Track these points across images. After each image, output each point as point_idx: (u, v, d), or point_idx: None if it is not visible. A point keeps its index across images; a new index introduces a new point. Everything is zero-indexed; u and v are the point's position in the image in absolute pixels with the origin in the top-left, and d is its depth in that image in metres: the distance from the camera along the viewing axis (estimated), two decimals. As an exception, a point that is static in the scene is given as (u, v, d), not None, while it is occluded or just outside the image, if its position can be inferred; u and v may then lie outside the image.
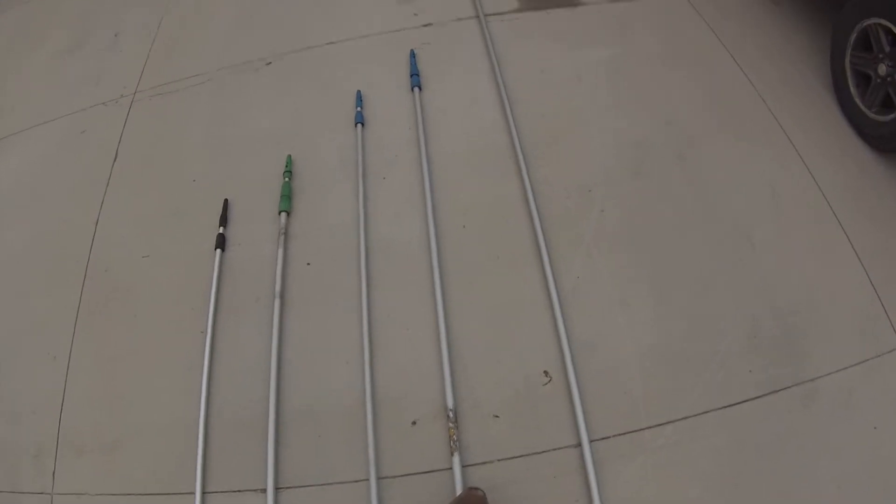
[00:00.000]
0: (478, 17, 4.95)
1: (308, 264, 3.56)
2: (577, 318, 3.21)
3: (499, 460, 2.90)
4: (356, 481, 2.90)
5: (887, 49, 3.63)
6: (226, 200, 3.90)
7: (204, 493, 2.94)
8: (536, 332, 3.19)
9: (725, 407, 2.95)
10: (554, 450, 2.89)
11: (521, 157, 3.87)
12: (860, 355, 3.05)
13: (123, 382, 3.32)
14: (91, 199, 4.17)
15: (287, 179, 3.90)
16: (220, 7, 5.66)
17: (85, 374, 3.37)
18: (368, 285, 3.40)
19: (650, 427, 2.92)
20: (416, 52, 4.66)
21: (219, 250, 3.66)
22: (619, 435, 2.91)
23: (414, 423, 3.01)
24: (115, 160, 4.38)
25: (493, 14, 4.97)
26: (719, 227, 3.52)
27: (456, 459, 2.83)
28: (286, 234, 3.67)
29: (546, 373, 3.06)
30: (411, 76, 4.43)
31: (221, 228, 3.76)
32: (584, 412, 2.92)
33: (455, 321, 3.25)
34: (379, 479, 2.86)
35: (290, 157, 4.05)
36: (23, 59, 5.72)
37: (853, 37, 3.86)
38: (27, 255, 4.00)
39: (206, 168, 4.20)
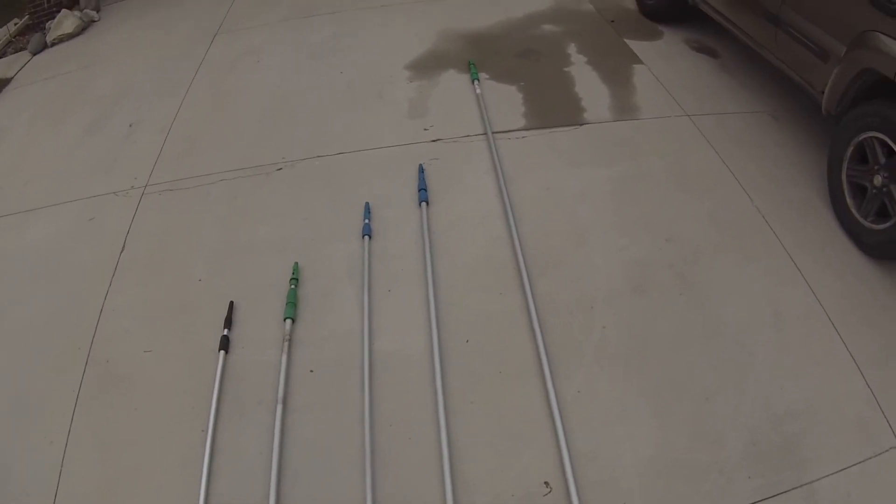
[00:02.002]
0: (486, 134, 5.12)
1: (311, 371, 3.60)
2: (577, 429, 3.24)
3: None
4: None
5: (883, 161, 3.82)
6: (231, 303, 3.96)
7: None
8: (537, 444, 3.21)
9: (725, 513, 2.99)
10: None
11: (524, 273, 3.95)
12: (858, 456, 3.10)
13: (120, 475, 3.30)
14: (97, 287, 4.23)
15: (293, 286, 3.98)
16: (235, 107, 5.84)
17: (81, 463, 3.36)
18: (371, 394, 3.43)
19: (649, 537, 2.95)
20: (424, 166, 4.79)
21: (222, 352, 3.69)
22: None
23: (416, 533, 3.01)
24: (122, 251, 4.47)
25: (501, 132, 5.15)
26: (719, 341, 3.60)
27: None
28: (290, 340, 3.71)
29: (546, 483, 3.07)
30: (419, 190, 4.55)
31: (226, 330, 3.80)
32: (585, 522, 2.94)
33: (457, 432, 3.27)
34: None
35: (297, 264, 4.13)
36: (40, 136, 5.88)
37: (850, 150, 4.06)
38: (30, 336, 4.03)
39: (212, 268, 4.27)
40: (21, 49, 8.11)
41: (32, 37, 8.06)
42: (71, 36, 8.06)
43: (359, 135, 5.27)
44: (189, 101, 6.02)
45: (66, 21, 8.11)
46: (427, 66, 6.17)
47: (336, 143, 5.19)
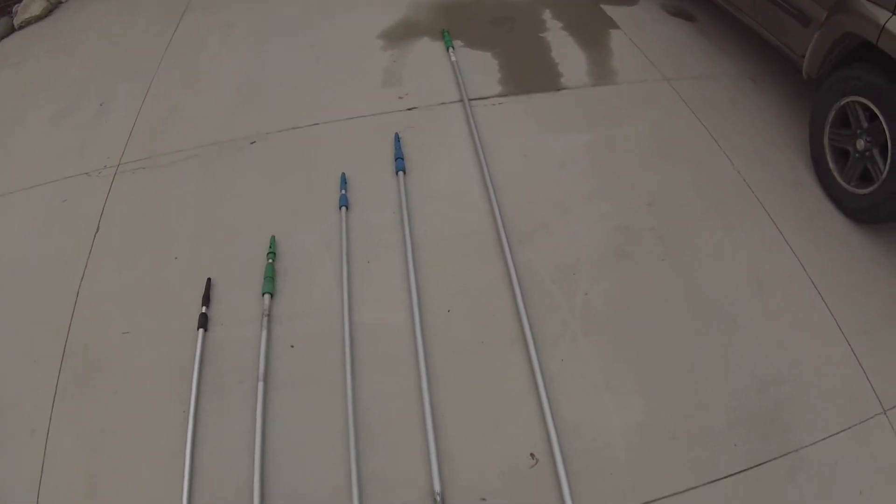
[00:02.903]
0: (462, 101, 5.06)
1: (292, 346, 3.56)
2: (562, 399, 3.23)
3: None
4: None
5: (865, 125, 3.84)
6: (209, 280, 3.89)
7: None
8: (522, 415, 3.21)
9: (712, 482, 2.99)
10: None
11: (505, 241, 3.92)
12: (845, 422, 3.14)
13: (103, 460, 3.25)
14: (72, 270, 4.14)
15: (271, 261, 3.92)
16: (206, 83, 5.73)
17: (64, 450, 3.30)
18: (353, 368, 3.39)
19: (638, 504, 2.94)
20: (400, 135, 4.73)
21: (201, 330, 3.64)
22: (607, 513, 2.93)
23: (401, 507, 2.99)
24: (96, 232, 4.37)
25: (477, 98, 5.09)
26: (703, 308, 3.60)
27: (443, 544, 2.81)
28: (270, 315, 3.66)
29: (532, 455, 3.07)
30: (396, 160, 4.50)
31: (204, 308, 3.75)
32: (571, 492, 2.93)
33: (441, 404, 3.25)
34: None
35: (273, 238, 4.07)
36: (8, 122, 5.74)
37: (832, 115, 4.08)
38: (5, 323, 3.95)
39: (188, 245, 4.19)
40: (-12, 34, 7.96)
41: (-1, 21, 7.92)
42: (39, 18, 7.89)
43: (333, 106, 5.18)
44: (159, 79, 5.90)
45: (34, 4, 7.94)
46: (400, 35, 6.08)
47: (310, 115, 5.11)
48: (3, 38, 7.63)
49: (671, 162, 4.42)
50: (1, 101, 6.20)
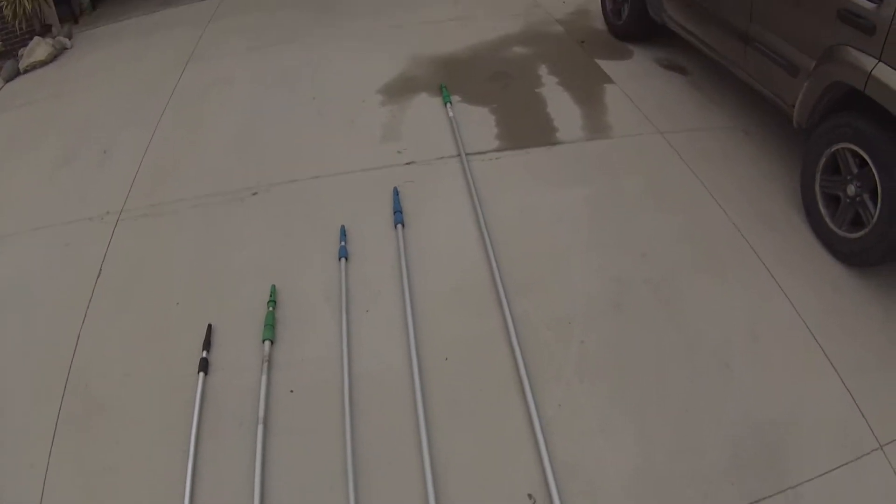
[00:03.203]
0: (460, 156, 5.16)
1: (291, 392, 3.60)
2: (559, 443, 3.25)
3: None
4: None
5: (855, 171, 3.91)
6: (209, 325, 3.95)
7: None
8: (520, 458, 3.22)
9: (708, 521, 3.01)
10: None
11: (502, 292, 3.98)
12: (841, 459, 3.15)
13: (101, 498, 3.27)
14: (74, 312, 4.20)
15: (271, 309, 3.98)
16: (209, 133, 5.86)
17: (62, 488, 3.32)
18: (352, 414, 3.42)
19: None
20: (399, 189, 4.82)
21: (201, 373, 3.69)
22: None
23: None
24: (98, 276, 4.44)
25: (475, 153, 5.20)
26: (698, 354, 3.64)
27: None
28: (269, 361, 3.71)
29: (530, 496, 3.08)
30: (394, 213, 4.58)
31: (205, 353, 3.80)
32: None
33: (439, 449, 3.27)
34: None
35: (274, 286, 4.13)
36: (13, 163, 5.87)
37: (822, 162, 4.15)
38: (7, 362, 4.00)
39: (190, 292, 4.26)
40: (-6, 76, 8.10)
41: (5, 64, 8.04)
42: (44, 63, 8.06)
43: (333, 159, 5.29)
44: (162, 128, 6.02)
45: (39, 48, 8.10)
46: (399, 90, 6.22)
47: (310, 168, 5.21)
48: (8, 81, 7.78)
49: (666, 213, 4.49)
50: (5, 142, 6.31)
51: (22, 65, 7.98)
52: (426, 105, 5.95)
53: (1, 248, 4.90)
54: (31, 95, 7.27)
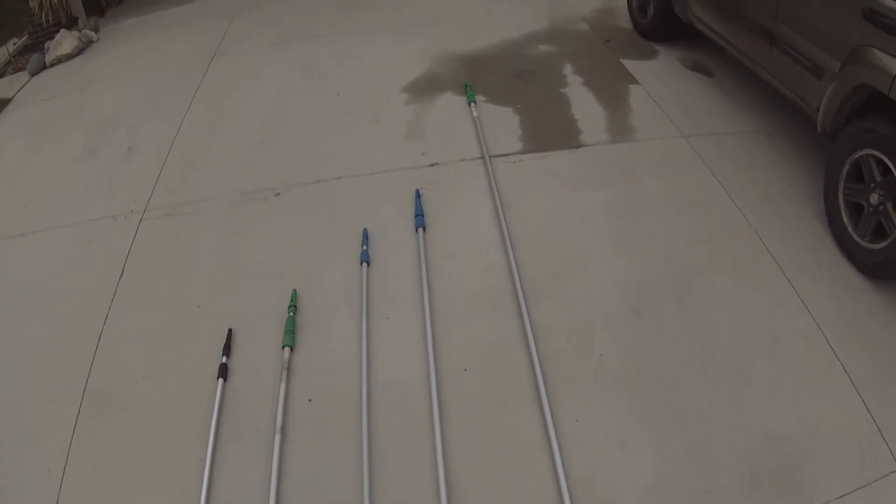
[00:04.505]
0: (483, 158, 5.15)
1: (310, 400, 3.61)
2: (575, 457, 3.24)
3: None
4: None
5: (879, 179, 3.82)
6: (230, 330, 3.97)
7: None
8: (536, 471, 3.21)
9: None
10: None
11: (522, 299, 3.96)
12: (859, 481, 3.09)
13: (117, 502, 3.31)
14: (96, 312, 4.25)
15: (292, 314, 3.99)
16: (234, 130, 5.89)
17: (78, 490, 3.36)
18: (370, 423, 3.43)
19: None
20: (421, 191, 4.82)
21: (221, 379, 3.71)
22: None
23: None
24: (121, 275, 4.49)
25: (498, 155, 5.17)
26: (716, 365, 3.60)
27: None
28: (289, 368, 3.73)
29: None
30: (416, 216, 4.58)
31: (224, 358, 3.82)
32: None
33: (456, 459, 3.27)
34: None
35: (295, 291, 4.14)
36: (38, 158, 5.95)
37: (846, 168, 4.06)
38: (28, 361, 4.05)
39: (211, 294, 4.29)
40: (20, 69, 8.16)
41: (31, 57, 8.11)
42: (69, 56, 8.11)
43: (356, 159, 5.30)
44: (187, 123, 6.06)
45: (65, 42, 8.16)
46: (424, 88, 6.22)
47: (333, 168, 5.23)
48: (34, 74, 7.86)
49: (687, 219, 4.46)
50: (30, 137, 6.37)
51: (48, 58, 8.04)
52: (450, 104, 5.94)
53: (24, 246, 4.96)
54: (56, 89, 7.33)
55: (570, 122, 5.51)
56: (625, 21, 7.14)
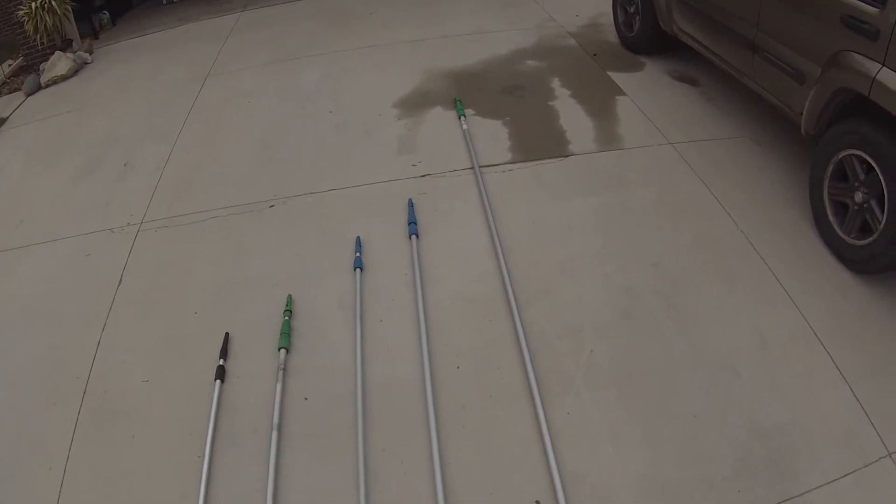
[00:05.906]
0: (473, 168, 5.23)
1: (306, 399, 3.66)
2: (567, 450, 3.29)
3: None
4: None
5: (862, 177, 3.93)
6: (227, 334, 4.04)
7: None
8: (528, 465, 3.26)
9: (715, 529, 3.04)
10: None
11: (513, 301, 4.03)
12: (849, 466, 3.15)
13: (117, 502, 3.35)
14: (94, 320, 4.31)
15: (287, 318, 4.06)
16: (228, 147, 5.97)
17: (79, 492, 3.40)
18: (365, 421, 3.48)
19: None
20: (413, 201, 4.90)
21: (218, 381, 3.76)
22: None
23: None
24: (119, 285, 4.55)
25: (488, 166, 5.26)
26: (706, 362, 3.66)
27: None
28: (285, 369, 3.78)
29: (538, 503, 3.12)
30: (409, 224, 4.65)
31: (221, 360, 3.87)
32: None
33: (449, 456, 3.32)
34: None
35: (290, 296, 4.21)
36: (36, 175, 6.02)
37: (830, 169, 4.17)
38: (29, 368, 4.10)
39: (208, 301, 4.35)
40: (16, 90, 8.26)
41: (27, 78, 8.21)
42: (64, 78, 8.20)
43: (349, 172, 5.38)
44: (182, 141, 6.14)
45: (60, 63, 8.25)
46: (414, 103, 6.31)
47: (327, 181, 5.31)
48: (30, 94, 7.95)
49: (676, 223, 4.54)
50: (27, 155, 6.44)
51: (43, 79, 8.13)
52: (441, 118, 6.03)
53: (24, 258, 5.02)
54: (52, 109, 7.41)
55: (559, 133, 5.61)
56: (612, 36, 7.26)
